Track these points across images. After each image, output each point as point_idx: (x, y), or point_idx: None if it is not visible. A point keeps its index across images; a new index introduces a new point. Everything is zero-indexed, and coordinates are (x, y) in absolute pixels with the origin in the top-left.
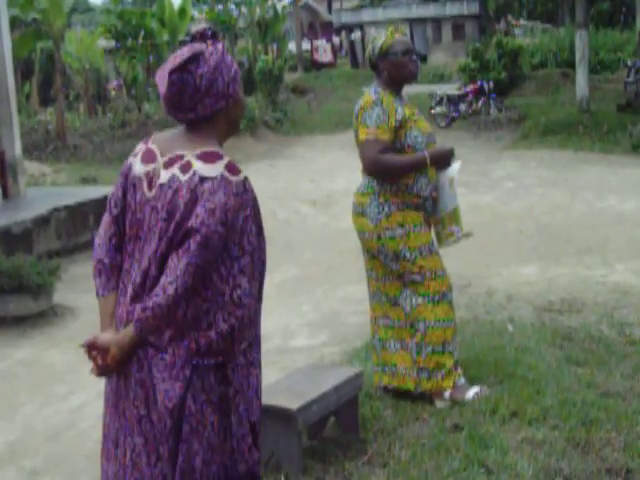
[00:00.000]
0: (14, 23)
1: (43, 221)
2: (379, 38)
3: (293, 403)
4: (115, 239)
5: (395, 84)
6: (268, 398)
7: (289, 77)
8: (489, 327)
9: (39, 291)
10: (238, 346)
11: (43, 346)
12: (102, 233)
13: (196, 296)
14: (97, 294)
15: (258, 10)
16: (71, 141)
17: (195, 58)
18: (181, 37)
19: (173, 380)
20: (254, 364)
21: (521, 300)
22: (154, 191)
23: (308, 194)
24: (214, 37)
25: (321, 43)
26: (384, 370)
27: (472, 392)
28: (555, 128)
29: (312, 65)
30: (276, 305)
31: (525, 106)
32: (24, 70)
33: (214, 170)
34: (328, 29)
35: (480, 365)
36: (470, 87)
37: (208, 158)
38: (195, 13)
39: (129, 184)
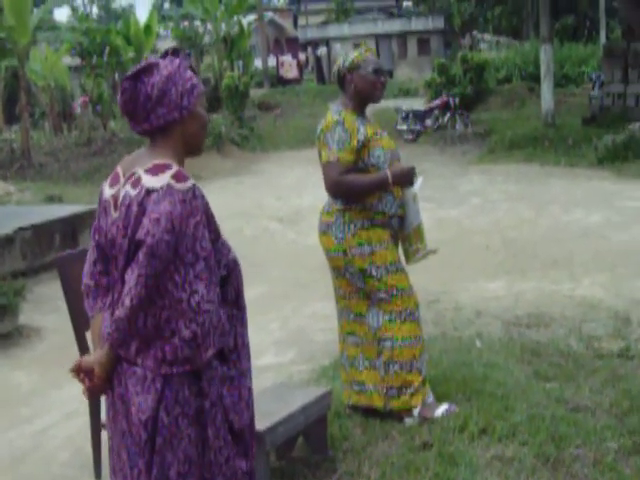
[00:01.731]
0: None
1: (7, 241)
2: (352, 52)
3: (260, 424)
4: (99, 263)
5: (360, 101)
6: None
7: (255, 93)
8: (457, 343)
9: (4, 312)
10: (204, 353)
11: (8, 368)
12: (88, 259)
13: (153, 306)
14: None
15: (223, 26)
16: (36, 159)
17: (149, 68)
18: (146, 54)
19: (145, 393)
20: (243, 375)
21: (489, 315)
22: (118, 211)
23: (275, 211)
24: (175, 53)
25: (287, 59)
26: (353, 388)
27: (441, 409)
28: (521, 142)
29: (278, 81)
30: None
31: (491, 120)
32: None
33: (160, 181)
34: (294, 45)
35: (448, 382)
36: (436, 102)
37: (156, 170)
38: (161, 30)
39: (101, 209)
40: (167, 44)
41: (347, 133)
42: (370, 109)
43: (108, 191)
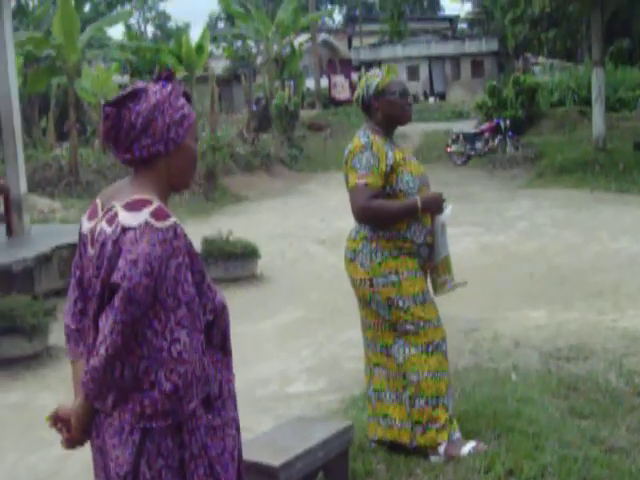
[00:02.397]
0: (29, 59)
1: (45, 259)
2: (374, 77)
3: (276, 459)
4: (80, 302)
5: (388, 126)
6: (251, 453)
7: (307, 114)
8: (492, 375)
9: (34, 332)
10: (187, 405)
11: (35, 389)
12: (69, 297)
13: (131, 355)
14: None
15: (275, 47)
16: (84, 177)
17: (135, 94)
18: (198, 73)
19: (122, 446)
20: (228, 424)
21: (528, 346)
22: (93, 248)
23: (318, 233)
24: (168, 78)
25: (339, 80)
26: (379, 422)
27: (468, 447)
28: (571, 167)
29: (330, 102)
30: (276, 349)
31: (542, 144)
32: (41, 105)
33: (138, 218)
34: (347, 66)
35: (478, 418)
36: (486, 125)
37: (134, 206)
38: (213, 49)
39: (81, 244)
40: (221, 64)
41: (375, 157)
42: (421, 131)
43: (86, 224)
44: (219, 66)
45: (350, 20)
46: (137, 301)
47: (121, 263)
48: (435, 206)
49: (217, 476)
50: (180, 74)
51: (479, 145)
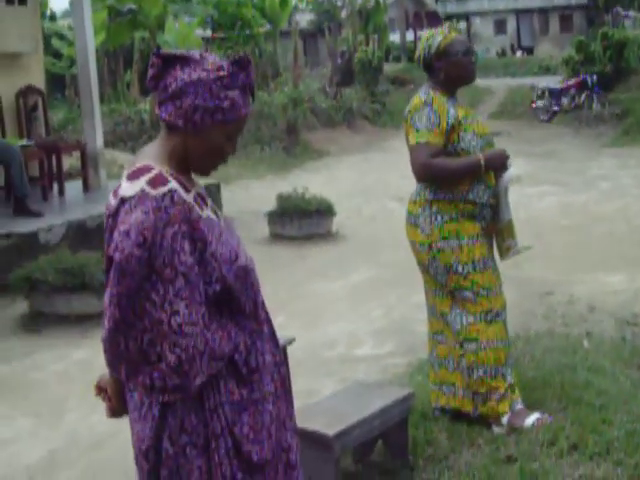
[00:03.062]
0: (110, 13)
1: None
2: (435, 36)
3: (331, 428)
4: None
5: (451, 85)
6: (306, 420)
7: (391, 68)
8: (564, 342)
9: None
10: (193, 380)
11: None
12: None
13: (132, 328)
14: None
15: (360, 0)
16: None
17: (186, 59)
18: (282, 27)
19: (143, 421)
20: (265, 399)
21: (603, 311)
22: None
23: (397, 190)
24: (239, 63)
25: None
26: (441, 389)
27: (532, 419)
28: None
29: None
30: (346, 310)
31: (629, 101)
32: (126, 59)
33: (135, 187)
34: (434, 19)
35: (545, 387)
36: (573, 80)
37: (135, 175)
38: (297, 2)
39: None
40: (305, 17)
41: (436, 114)
42: (505, 87)
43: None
44: (304, 19)
45: None
46: (130, 272)
47: (115, 235)
48: (500, 163)
49: (248, 455)
50: (263, 28)
51: (565, 101)
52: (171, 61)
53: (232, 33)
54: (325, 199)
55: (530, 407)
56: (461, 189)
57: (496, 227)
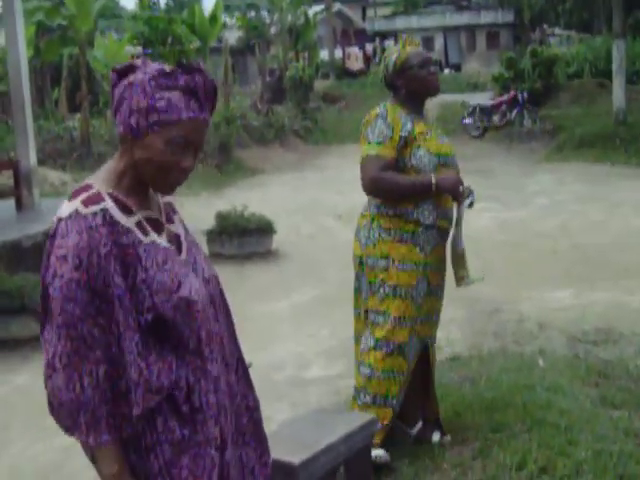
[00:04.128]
0: (39, 29)
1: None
2: (392, 53)
3: (296, 456)
4: None
5: (415, 100)
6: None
7: (321, 85)
8: (518, 361)
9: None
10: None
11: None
12: None
13: (85, 360)
14: None
15: (290, 17)
16: (96, 148)
17: (132, 68)
18: (212, 44)
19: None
20: (209, 443)
21: (553, 329)
22: None
23: (334, 207)
24: (184, 67)
25: (353, 51)
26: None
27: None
28: (591, 140)
29: (344, 73)
30: (292, 330)
31: (560, 117)
32: (54, 75)
33: (71, 207)
34: (362, 37)
35: (507, 408)
36: (503, 97)
37: (74, 194)
38: (227, 20)
39: None
40: (233, 34)
41: (389, 127)
42: (436, 103)
43: None
44: (232, 37)
45: None
46: (73, 298)
47: (52, 260)
48: (452, 189)
49: None
50: (193, 45)
51: (496, 118)
52: (123, 73)
53: (163, 49)
54: (264, 217)
55: (494, 429)
56: (406, 206)
57: (451, 255)
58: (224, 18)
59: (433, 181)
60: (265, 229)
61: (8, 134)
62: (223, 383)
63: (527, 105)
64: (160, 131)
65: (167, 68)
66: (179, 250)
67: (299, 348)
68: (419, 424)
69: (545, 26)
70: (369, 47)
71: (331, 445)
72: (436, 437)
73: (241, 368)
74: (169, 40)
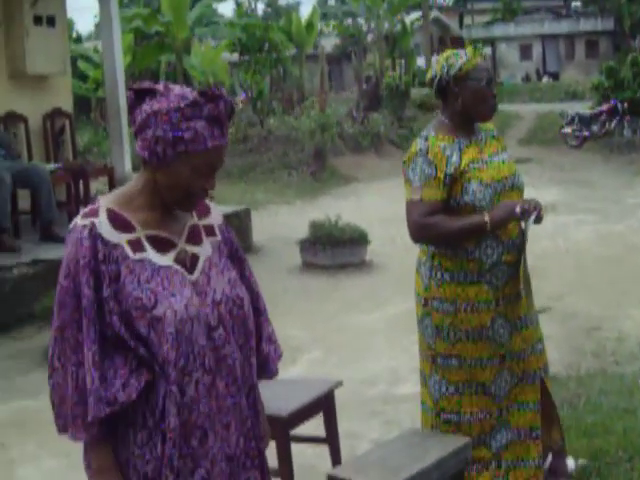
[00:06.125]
0: (137, 36)
1: None
2: (458, 57)
3: None
4: None
5: (465, 119)
6: (357, 474)
7: (417, 93)
8: (618, 383)
9: None
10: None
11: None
12: None
13: (68, 362)
14: None
15: (386, 24)
16: None
17: (152, 92)
18: (308, 51)
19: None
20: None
21: None
22: None
23: None
24: (207, 95)
25: None
26: None
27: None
28: None
29: None
30: (384, 344)
31: None
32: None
33: (75, 220)
34: (459, 44)
35: (607, 434)
36: (603, 106)
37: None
38: (323, 27)
39: None
40: (331, 41)
41: (431, 165)
42: (533, 112)
43: None
44: (329, 44)
45: None
46: (64, 304)
47: None
48: (510, 219)
49: None
50: (290, 52)
51: (595, 127)
52: (142, 94)
53: (259, 56)
54: (358, 227)
55: (593, 456)
56: (465, 245)
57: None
58: (321, 25)
59: (486, 219)
60: (359, 239)
61: (105, 140)
62: (210, 406)
63: (627, 115)
64: (186, 159)
65: (190, 96)
66: (191, 270)
67: (392, 363)
68: (549, 458)
69: None
70: None
71: (423, 471)
72: (571, 464)
73: (252, 396)
74: (265, 47)
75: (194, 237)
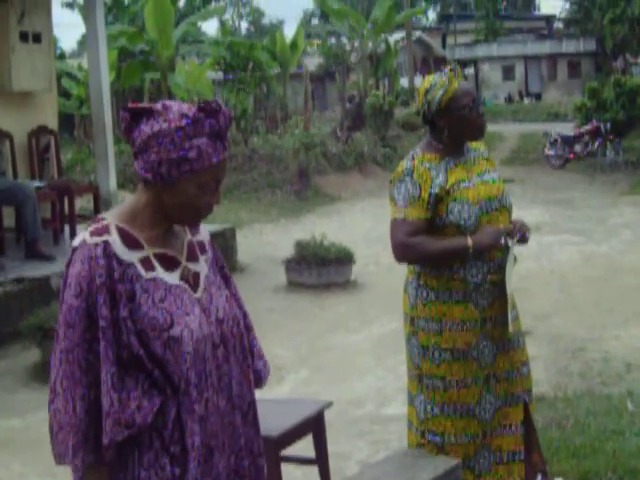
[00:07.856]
0: (122, 54)
1: None
2: (435, 89)
3: None
4: None
5: (456, 142)
6: None
7: (400, 112)
8: (606, 404)
9: None
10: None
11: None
12: None
13: (78, 385)
14: None
15: (370, 44)
16: None
17: (151, 112)
18: (292, 70)
19: None
20: None
21: None
22: None
23: None
24: (206, 111)
25: None
26: None
27: None
28: None
29: None
30: (371, 364)
31: None
32: (135, 100)
33: (81, 237)
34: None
35: (596, 455)
36: (586, 127)
37: (89, 226)
38: (307, 46)
39: None
40: (314, 60)
41: (416, 185)
42: (516, 132)
43: None
44: (312, 63)
45: (444, 18)
46: (72, 324)
47: (62, 287)
48: (493, 244)
49: None
50: (274, 70)
51: (578, 148)
52: (139, 114)
53: (243, 75)
54: (344, 247)
55: (582, 477)
56: (450, 265)
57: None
58: (304, 45)
59: (469, 244)
60: (344, 259)
61: (88, 157)
62: (216, 424)
63: (610, 136)
64: (192, 177)
65: (190, 113)
66: (195, 288)
67: (379, 383)
68: (539, 478)
69: (627, 55)
70: None
71: None
72: None
73: (251, 413)
74: (250, 66)
75: (193, 254)
